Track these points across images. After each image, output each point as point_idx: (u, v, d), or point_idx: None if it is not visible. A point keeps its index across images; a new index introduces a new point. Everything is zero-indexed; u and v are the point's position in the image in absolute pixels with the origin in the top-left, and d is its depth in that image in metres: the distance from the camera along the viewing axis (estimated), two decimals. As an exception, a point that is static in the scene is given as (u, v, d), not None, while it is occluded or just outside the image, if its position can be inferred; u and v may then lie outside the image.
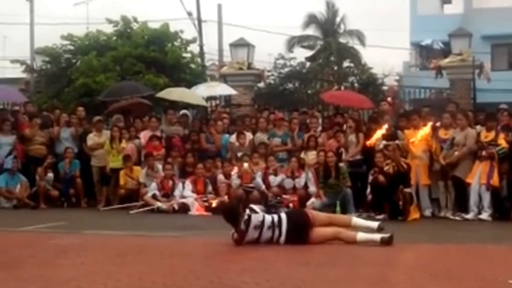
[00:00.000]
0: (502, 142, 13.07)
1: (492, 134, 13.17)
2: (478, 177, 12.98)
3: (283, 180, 14.47)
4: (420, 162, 13.62)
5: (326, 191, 13.89)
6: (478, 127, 13.93)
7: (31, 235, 10.15)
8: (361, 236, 8.51)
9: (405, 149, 13.43)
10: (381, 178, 12.91)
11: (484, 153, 13.00)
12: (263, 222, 8.46)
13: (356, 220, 9.24)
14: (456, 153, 13.33)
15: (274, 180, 14.47)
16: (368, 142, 12.69)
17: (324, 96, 18.84)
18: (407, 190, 12.73)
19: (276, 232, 8.45)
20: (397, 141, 13.10)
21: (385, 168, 12.95)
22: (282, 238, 8.43)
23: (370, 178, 13.48)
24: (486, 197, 12.92)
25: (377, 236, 8.53)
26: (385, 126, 12.68)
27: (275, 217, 8.56)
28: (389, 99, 17.03)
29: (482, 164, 13.00)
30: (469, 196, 13.11)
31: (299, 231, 8.48)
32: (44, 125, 16.37)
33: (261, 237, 8.43)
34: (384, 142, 13.47)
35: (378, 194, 13.02)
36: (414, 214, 12.74)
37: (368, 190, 13.54)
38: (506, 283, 6.20)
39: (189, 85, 20.58)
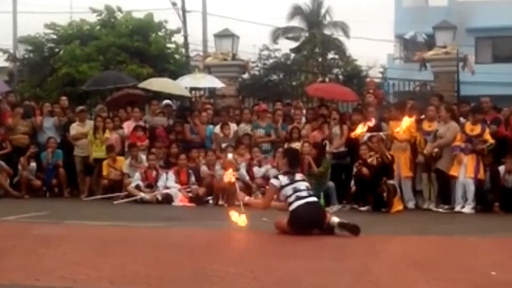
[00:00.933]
0: (488, 137, 13.09)
1: (478, 128, 13.18)
2: (464, 170, 13.02)
3: (268, 171, 14.44)
4: (402, 154, 13.66)
5: (310, 182, 13.88)
6: (461, 119, 13.98)
7: (13, 225, 10.09)
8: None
9: (389, 140, 13.50)
10: (364, 170, 12.93)
11: (470, 146, 13.02)
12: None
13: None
14: (434, 146, 13.35)
15: (258, 171, 14.43)
16: (353, 134, 12.69)
17: (309, 89, 18.81)
18: (391, 182, 12.77)
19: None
20: (381, 133, 13.13)
21: (369, 160, 12.98)
22: (294, 205, 8.81)
23: (354, 170, 13.49)
24: (471, 190, 12.97)
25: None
26: (370, 122, 12.73)
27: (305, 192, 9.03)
28: (371, 91, 17.04)
29: (467, 157, 13.03)
30: (453, 189, 13.13)
31: (311, 224, 8.79)
32: (26, 114, 16.26)
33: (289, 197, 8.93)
34: (368, 134, 13.51)
35: (362, 186, 13.04)
36: (398, 206, 12.79)
37: (352, 182, 13.55)
38: (488, 274, 6.23)
39: (173, 75, 20.53)
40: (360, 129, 12.03)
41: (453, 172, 13.11)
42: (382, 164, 12.75)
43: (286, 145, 14.85)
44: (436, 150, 13.30)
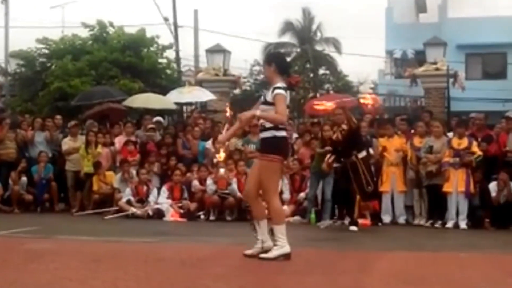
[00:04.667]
0: (475, 149, 13.19)
1: (465, 141, 13.28)
2: (455, 185, 13.07)
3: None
4: (396, 169, 13.75)
5: (315, 161, 13.63)
6: (450, 134, 14.08)
7: (4, 240, 10.04)
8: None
9: (380, 155, 13.59)
10: (327, 166, 12.57)
11: (459, 160, 13.08)
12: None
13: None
14: (433, 165, 13.36)
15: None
16: (334, 137, 12.39)
17: (307, 108, 18.84)
18: (360, 155, 11.98)
19: None
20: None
21: (334, 137, 12.39)
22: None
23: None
24: (464, 205, 13.03)
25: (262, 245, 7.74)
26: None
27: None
28: (369, 106, 17.05)
29: (458, 172, 13.09)
30: (448, 204, 13.16)
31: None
32: (13, 124, 16.21)
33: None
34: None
35: (337, 199, 12.89)
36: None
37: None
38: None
39: (165, 90, 20.58)
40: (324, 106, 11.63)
41: (446, 188, 13.14)
42: (349, 133, 11.93)
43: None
44: (436, 166, 13.34)
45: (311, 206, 13.55)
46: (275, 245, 7.61)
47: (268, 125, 7.70)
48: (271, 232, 7.71)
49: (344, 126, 11.96)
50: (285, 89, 7.71)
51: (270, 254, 7.56)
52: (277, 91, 7.63)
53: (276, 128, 7.67)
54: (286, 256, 7.57)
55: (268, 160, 7.66)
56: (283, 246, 7.60)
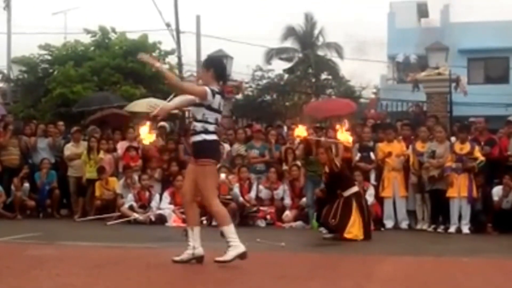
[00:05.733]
0: (478, 155, 13.16)
1: (467, 147, 13.25)
2: (458, 190, 13.04)
3: (261, 191, 14.45)
4: (398, 174, 13.75)
5: (308, 170, 13.73)
6: (453, 139, 14.07)
7: (6, 246, 10.05)
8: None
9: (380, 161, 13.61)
10: (318, 193, 12.70)
11: (462, 166, 13.05)
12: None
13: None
14: (436, 170, 13.32)
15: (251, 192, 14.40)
16: (296, 134, 11.65)
17: (305, 108, 18.86)
18: (346, 193, 11.45)
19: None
20: (323, 139, 12.42)
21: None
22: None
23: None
24: (467, 210, 13.01)
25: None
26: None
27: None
28: (372, 111, 17.09)
29: (460, 177, 13.06)
30: (450, 209, 13.12)
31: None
32: (16, 131, 16.22)
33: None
34: (359, 154, 13.58)
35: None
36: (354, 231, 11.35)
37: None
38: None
39: (167, 96, 20.51)
40: (301, 132, 11.07)
41: (449, 193, 13.10)
42: (330, 178, 11.60)
43: (284, 165, 14.91)
44: (438, 171, 13.31)
45: (312, 212, 13.54)
46: (228, 246, 7.52)
47: (198, 128, 7.62)
48: (222, 235, 7.67)
49: (326, 169, 11.64)
50: (215, 93, 7.62)
51: (226, 257, 7.45)
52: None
53: (206, 131, 7.60)
54: (242, 256, 7.45)
55: (201, 165, 7.60)
56: (237, 246, 7.48)
